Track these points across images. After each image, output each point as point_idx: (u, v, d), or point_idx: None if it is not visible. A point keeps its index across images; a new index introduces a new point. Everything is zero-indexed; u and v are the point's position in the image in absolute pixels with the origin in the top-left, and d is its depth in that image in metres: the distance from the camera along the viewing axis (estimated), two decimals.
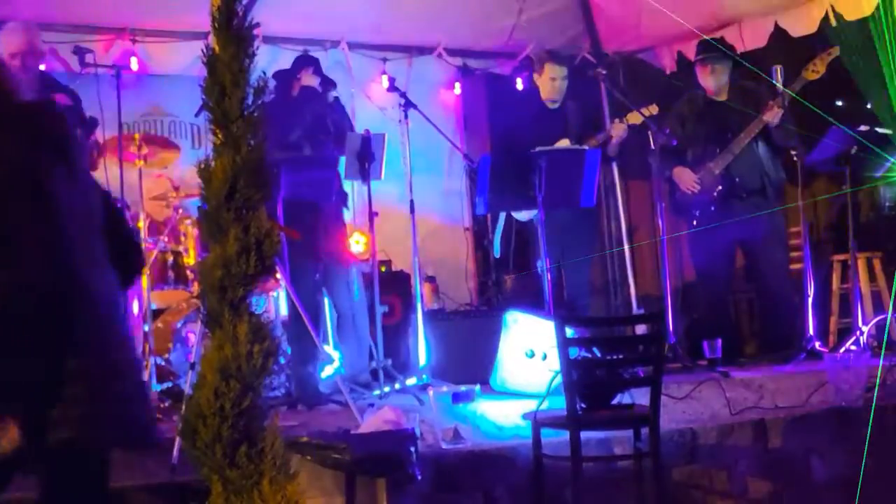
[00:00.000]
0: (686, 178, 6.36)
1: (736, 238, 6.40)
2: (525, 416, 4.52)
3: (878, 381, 4.92)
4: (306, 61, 6.02)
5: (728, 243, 6.43)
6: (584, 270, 6.55)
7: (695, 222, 6.43)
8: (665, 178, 6.47)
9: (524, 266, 6.82)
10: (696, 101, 6.51)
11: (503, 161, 5.75)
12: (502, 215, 6.61)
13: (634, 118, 6.26)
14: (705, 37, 6.84)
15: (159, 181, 6.62)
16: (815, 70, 6.06)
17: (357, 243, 6.92)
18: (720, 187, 6.31)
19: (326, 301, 5.94)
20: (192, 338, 5.67)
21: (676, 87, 6.88)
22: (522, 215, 6.42)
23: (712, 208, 6.35)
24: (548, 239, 5.91)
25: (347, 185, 6.01)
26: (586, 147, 6.06)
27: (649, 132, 6.26)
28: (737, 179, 6.29)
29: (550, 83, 6.44)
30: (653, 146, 6.29)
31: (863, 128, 6.22)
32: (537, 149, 5.88)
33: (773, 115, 6.13)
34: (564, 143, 6.26)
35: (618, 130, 6.24)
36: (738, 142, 6.27)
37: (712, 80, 6.46)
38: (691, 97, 6.56)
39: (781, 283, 6.47)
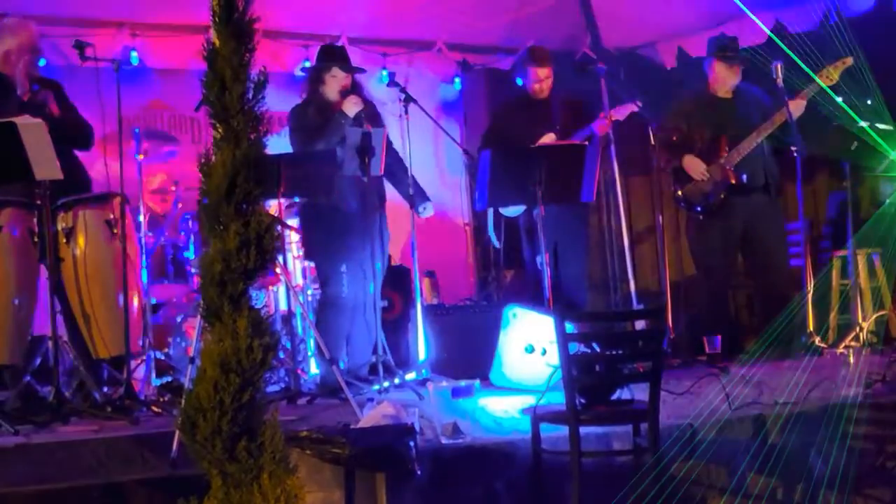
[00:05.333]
0: (696, 167, 6.34)
1: (737, 233, 6.40)
2: (524, 411, 4.52)
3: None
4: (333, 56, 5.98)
5: (729, 238, 6.42)
6: (579, 264, 6.53)
7: (701, 217, 6.42)
8: (671, 170, 6.45)
9: (516, 261, 6.83)
10: (701, 97, 6.50)
11: (503, 156, 5.74)
12: (490, 211, 6.63)
13: (619, 114, 6.27)
14: (703, 34, 6.85)
15: (159, 175, 6.63)
16: (829, 77, 6.04)
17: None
18: (731, 182, 6.29)
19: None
20: (192, 332, 5.67)
21: (677, 83, 6.87)
22: (509, 211, 6.43)
23: (719, 202, 6.34)
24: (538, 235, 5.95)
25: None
26: (586, 143, 6.06)
27: (649, 128, 6.25)
28: (744, 176, 6.28)
29: (537, 85, 6.45)
30: (652, 142, 6.28)
31: (863, 123, 6.22)
32: (537, 144, 5.86)
33: (799, 107, 6.10)
34: (550, 138, 6.25)
35: (602, 128, 6.22)
36: (758, 133, 6.21)
37: (732, 79, 6.42)
38: (697, 93, 6.54)
39: (781, 279, 6.46)
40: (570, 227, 6.34)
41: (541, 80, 6.42)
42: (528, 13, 7.54)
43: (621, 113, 6.28)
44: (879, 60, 6.29)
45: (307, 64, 6.91)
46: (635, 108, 6.29)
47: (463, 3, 7.46)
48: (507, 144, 6.12)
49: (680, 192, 6.44)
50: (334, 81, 5.82)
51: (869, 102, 6.40)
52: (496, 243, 6.70)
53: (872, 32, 6.41)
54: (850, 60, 6.05)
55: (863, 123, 6.19)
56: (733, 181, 6.28)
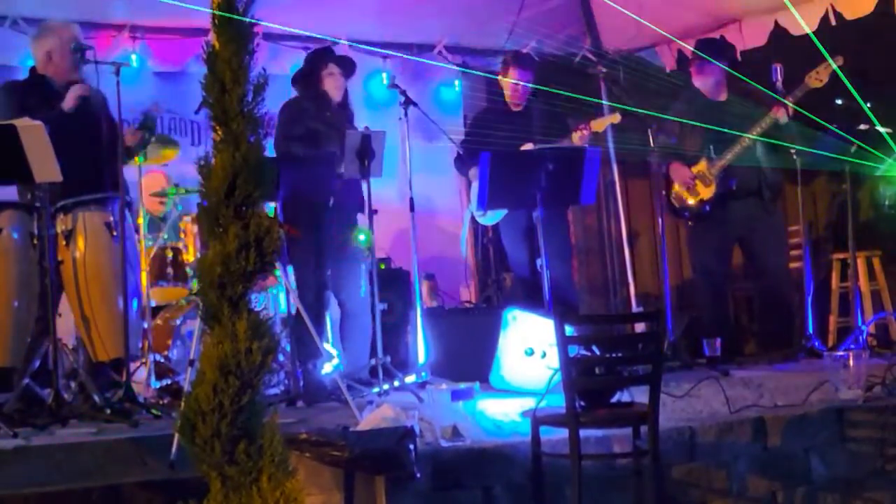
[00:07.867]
0: (682, 174, 6.34)
1: (733, 238, 6.40)
2: (524, 414, 4.52)
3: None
4: (328, 56, 6.00)
5: (725, 243, 6.42)
6: (564, 266, 6.51)
7: (690, 223, 6.43)
8: (662, 176, 6.46)
9: (496, 268, 6.87)
10: (695, 101, 6.49)
11: (503, 159, 5.74)
12: (467, 221, 6.62)
13: (598, 126, 6.27)
14: (700, 37, 6.85)
15: (159, 178, 6.62)
16: (819, 78, 6.04)
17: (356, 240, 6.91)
18: (717, 188, 6.28)
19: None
20: (192, 335, 5.67)
21: (676, 86, 6.87)
22: (486, 219, 6.44)
23: (707, 208, 6.33)
24: (517, 241, 6.09)
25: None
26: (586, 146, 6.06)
27: (649, 130, 6.26)
28: (733, 181, 6.26)
29: (514, 87, 6.45)
30: (652, 144, 6.28)
31: (862, 126, 6.22)
32: (538, 146, 5.86)
33: (783, 112, 6.10)
34: (528, 147, 6.25)
35: (577, 138, 6.21)
36: (744, 139, 6.21)
37: (701, 81, 6.45)
38: (690, 97, 6.54)
39: (780, 282, 6.46)
40: (551, 228, 6.32)
41: (508, 88, 6.45)
42: (529, 15, 7.54)
43: (600, 124, 6.30)
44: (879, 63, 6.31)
45: None
46: (616, 120, 6.30)
47: (463, 6, 7.46)
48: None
49: (674, 203, 6.43)
50: (332, 79, 5.85)
51: (868, 105, 6.41)
52: (463, 254, 6.73)
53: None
54: (840, 60, 6.04)
55: (862, 126, 6.19)
56: (716, 187, 6.27)
